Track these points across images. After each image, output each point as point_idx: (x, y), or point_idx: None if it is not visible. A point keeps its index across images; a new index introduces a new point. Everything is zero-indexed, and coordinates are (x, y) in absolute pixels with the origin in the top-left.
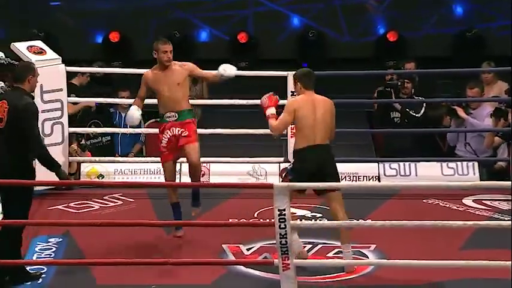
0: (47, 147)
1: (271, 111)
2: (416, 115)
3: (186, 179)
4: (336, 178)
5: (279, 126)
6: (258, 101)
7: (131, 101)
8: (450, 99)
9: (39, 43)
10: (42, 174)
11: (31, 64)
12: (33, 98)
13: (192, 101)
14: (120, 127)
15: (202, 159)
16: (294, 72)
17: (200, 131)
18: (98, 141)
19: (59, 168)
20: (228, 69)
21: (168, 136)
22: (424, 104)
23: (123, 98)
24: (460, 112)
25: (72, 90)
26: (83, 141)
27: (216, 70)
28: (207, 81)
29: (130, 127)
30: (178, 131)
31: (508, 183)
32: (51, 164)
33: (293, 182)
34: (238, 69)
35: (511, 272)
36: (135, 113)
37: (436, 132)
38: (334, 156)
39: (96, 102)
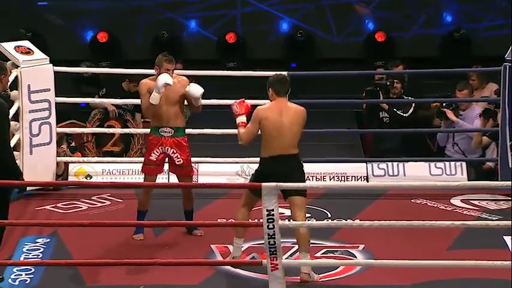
0: (34, 147)
1: (241, 119)
2: (404, 115)
3: (174, 179)
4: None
5: (245, 136)
6: (247, 101)
7: (119, 101)
8: (439, 100)
9: (26, 43)
10: (30, 174)
11: (3, 63)
12: (5, 97)
13: None
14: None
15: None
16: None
17: (189, 131)
18: None
19: (20, 176)
20: (192, 88)
21: (160, 152)
22: (413, 104)
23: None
24: (450, 115)
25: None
26: (72, 144)
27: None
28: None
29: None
30: (173, 152)
31: (495, 183)
32: (13, 169)
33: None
34: (227, 70)
35: None
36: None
37: (425, 133)
38: (301, 166)
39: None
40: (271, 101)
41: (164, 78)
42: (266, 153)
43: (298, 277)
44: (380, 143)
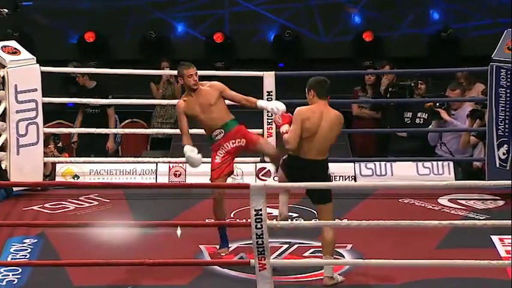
0: (22, 148)
1: (285, 128)
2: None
3: (162, 179)
4: (325, 195)
5: (291, 139)
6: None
7: (108, 101)
8: (433, 100)
9: (13, 43)
10: (17, 174)
11: None
12: None
13: (167, 101)
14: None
15: (178, 159)
16: (269, 72)
17: (177, 131)
18: None
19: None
20: (275, 105)
21: (223, 153)
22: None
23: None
24: (444, 115)
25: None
26: (60, 144)
27: (259, 100)
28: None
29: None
30: (233, 143)
31: (482, 182)
32: None
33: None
34: (215, 69)
35: None
36: (194, 155)
37: (419, 132)
38: (325, 170)
39: None
40: (310, 103)
41: (190, 159)
42: (296, 152)
43: (288, 277)
44: (397, 143)
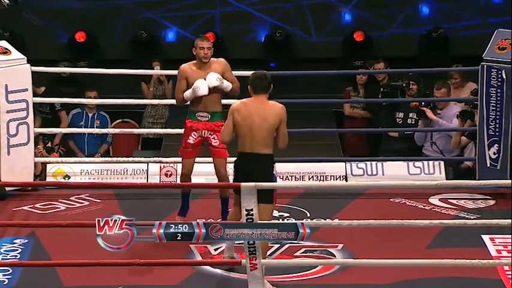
0: (12, 148)
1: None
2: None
3: (153, 179)
4: (266, 195)
5: (222, 132)
6: (224, 101)
7: (98, 101)
8: (418, 99)
9: (3, 43)
10: (8, 175)
11: None
12: None
13: (158, 101)
14: (87, 127)
15: (169, 159)
16: None
17: (167, 131)
18: None
19: None
20: (207, 78)
21: (197, 136)
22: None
23: (90, 98)
24: (429, 113)
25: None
26: (49, 144)
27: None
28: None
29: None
30: (210, 134)
31: (473, 182)
32: None
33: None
34: None
35: None
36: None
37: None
38: (270, 166)
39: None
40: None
41: (201, 86)
42: (239, 149)
43: (277, 276)
44: (389, 143)
